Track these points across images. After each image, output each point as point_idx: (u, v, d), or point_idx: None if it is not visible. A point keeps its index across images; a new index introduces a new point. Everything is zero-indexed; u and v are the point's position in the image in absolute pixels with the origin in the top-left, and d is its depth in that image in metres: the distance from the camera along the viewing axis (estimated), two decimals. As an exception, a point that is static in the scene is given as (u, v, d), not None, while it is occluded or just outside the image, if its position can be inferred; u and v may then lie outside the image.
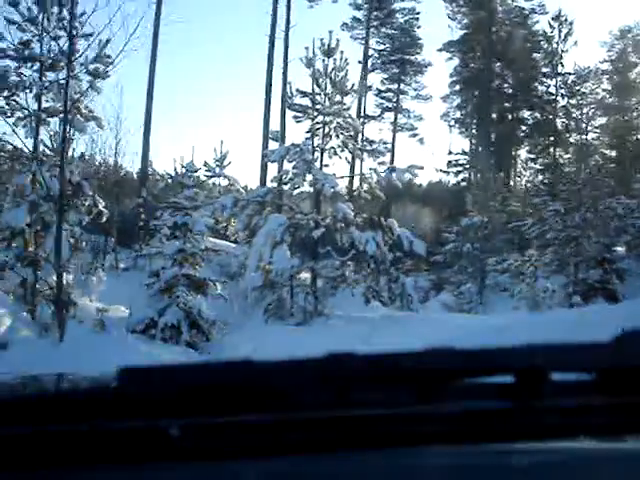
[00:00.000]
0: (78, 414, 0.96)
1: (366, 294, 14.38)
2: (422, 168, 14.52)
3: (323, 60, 14.28)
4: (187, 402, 0.98)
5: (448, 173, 45.98)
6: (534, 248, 23.50)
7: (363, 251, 13.43)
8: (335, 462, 0.96)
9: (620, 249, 21.57)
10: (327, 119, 13.93)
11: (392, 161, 43.73)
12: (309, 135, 14.26)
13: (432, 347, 1.02)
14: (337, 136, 14.02)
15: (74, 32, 11.62)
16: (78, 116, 12.08)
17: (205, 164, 18.10)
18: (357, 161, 28.52)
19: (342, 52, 14.34)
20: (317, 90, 14.09)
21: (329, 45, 14.41)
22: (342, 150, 14.05)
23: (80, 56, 11.91)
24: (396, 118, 44.44)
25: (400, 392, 1.01)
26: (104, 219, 13.62)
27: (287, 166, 14.26)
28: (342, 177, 14.74)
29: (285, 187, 14.47)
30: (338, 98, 14.07)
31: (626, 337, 1.05)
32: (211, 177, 18.36)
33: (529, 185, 35.67)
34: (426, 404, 1.00)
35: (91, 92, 12.36)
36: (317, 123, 14.11)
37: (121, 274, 19.37)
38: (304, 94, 14.28)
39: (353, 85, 14.24)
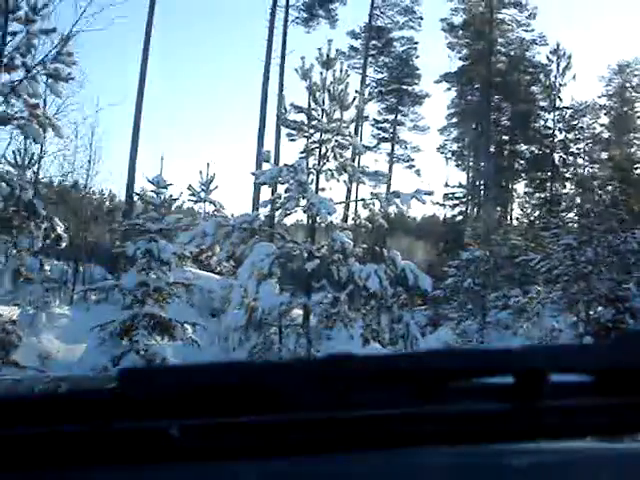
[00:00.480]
0: (78, 415, 0.95)
1: (365, 334, 12.52)
2: (431, 194, 12.78)
3: (321, 73, 12.53)
4: (187, 403, 0.96)
5: (444, 206, 44.56)
6: (541, 284, 21.67)
7: (363, 286, 11.65)
8: (335, 462, 0.95)
9: (632, 286, 19.71)
10: (324, 137, 12.11)
11: (388, 191, 42.10)
12: (304, 155, 12.48)
13: (432, 348, 0.95)
14: (335, 157, 12.21)
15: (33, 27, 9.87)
16: (34, 123, 10.28)
17: (189, 188, 16.15)
18: (353, 187, 27.17)
19: (342, 62, 12.58)
20: (313, 105, 12.30)
21: (328, 55, 12.60)
22: (340, 173, 12.24)
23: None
24: (393, 149, 42.97)
25: (400, 393, 0.99)
26: (63, 244, 11.62)
27: (280, 190, 12.51)
28: (340, 203, 12.89)
29: (277, 213, 12.48)
30: (337, 115, 12.27)
31: (626, 338, 1.10)
32: (196, 202, 16.41)
33: (530, 219, 33.98)
34: (426, 405, 0.99)
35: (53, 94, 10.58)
36: (313, 142, 12.32)
37: (92, 307, 16.85)
38: (299, 109, 12.43)
39: (354, 99, 12.47)
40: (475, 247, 25.94)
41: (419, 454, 0.97)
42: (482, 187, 43.12)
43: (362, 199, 13.59)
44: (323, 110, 12.19)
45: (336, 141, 12.02)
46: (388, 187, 44.70)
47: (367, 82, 40.77)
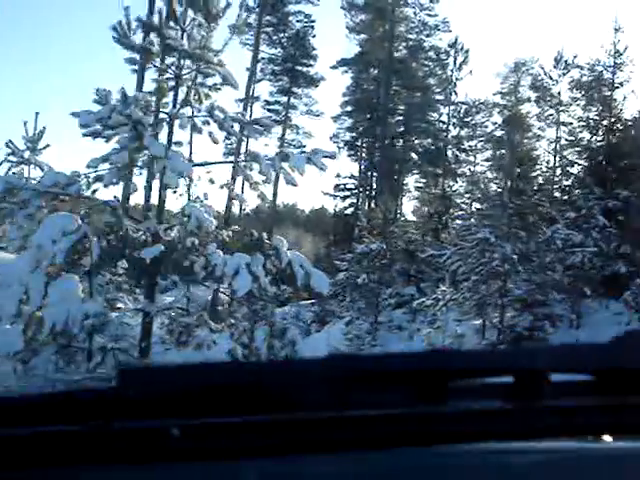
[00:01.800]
0: (78, 415, 0.94)
1: (233, 353, 8.36)
2: (333, 157, 8.77)
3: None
4: (187, 402, 0.95)
5: (335, 197, 41.26)
6: (445, 283, 18.20)
7: (230, 285, 7.58)
8: (335, 462, 0.93)
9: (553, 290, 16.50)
10: (183, 64, 7.90)
11: (277, 178, 38.19)
12: (156, 93, 8.17)
13: (432, 348, 1.04)
14: (197, 95, 7.95)
15: None
16: None
17: (8, 144, 11.41)
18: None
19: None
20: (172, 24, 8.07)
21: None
22: (206, 122, 8.02)
23: None
24: (284, 133, 38.91)
25: (400, 393, 0.99)
26: None
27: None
28: (202, 164, 8.54)
29: (102, 171, 7.86)
30: (202, 35, 7.97)
31: (625, 338, 1.04)
32: (18, 164, 11.61)
33: (429, 212, 30.93)
34: (426, 404, 0.97)
35: None
36: (165, 70, 8.02)
37: None
38: (149, 27, 8.10)
39: (226, 6, 8.11)
40: (371, 239, 22.37)
41: (419, 454, 0.93)
42: (374, 179, 39.95)
43: (230, 161, 9.28)
44: (184, 31, 7.95)
45: (199, 72, 7.78)
46: (277, 175, 41.10)
47: (259, 60, 36.58)
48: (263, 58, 37.50)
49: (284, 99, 39.20)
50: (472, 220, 17.73)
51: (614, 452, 0.98)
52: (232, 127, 8.31)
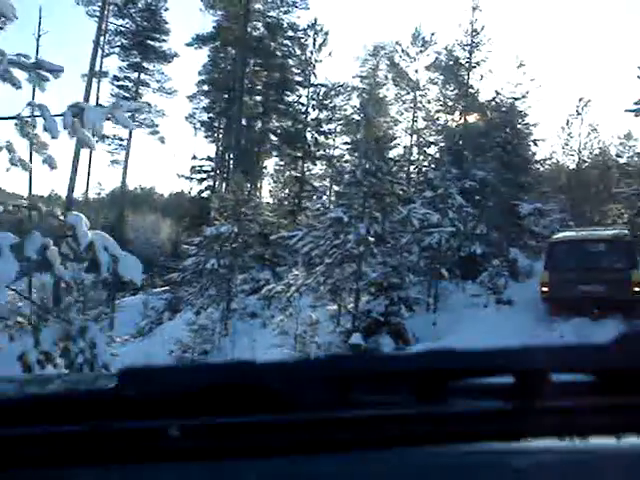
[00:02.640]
0: (78, 415, 0.93)
1: (25, 359, 6.39)
2: (148, 107, 6.97)
3: None
4: (187, 402, 0.94)
5: (191, 179, 39.16)
6: (299, 267, 16.75)
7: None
8: (335, 462, 0.92)
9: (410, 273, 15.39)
10: None
11: (127, 159, 35.61)
12: None
13: (432, 348, 1.00)
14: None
15: None
16: None
17: None
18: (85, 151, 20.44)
19: None
20: None
21: None
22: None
23: None
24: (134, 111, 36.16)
25: (400, 393, 0.98)
26: None
27: None
28: None
29: None
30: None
31: (626, 338, 1.03)
32: None
33: (283, 195, 29.61)
34: (426, 404, 0.97)
35: None
36: None
37: None
38: None
39: None
40: (221, 222, 20.60)
41: (419, 454, 0.93)
42: (232, 161, 38.16)
43: (9, 117, 7.14)
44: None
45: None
46: (127, 154, 38.40)
47: (106, 31, 33.69)
48: (111, 30, 34.65)
49: (134, 75, 36.57)
50: (324, 198, 16.36)
51: (614, 452, 0.96)
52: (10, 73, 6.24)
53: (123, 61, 36.27)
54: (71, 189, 29.84)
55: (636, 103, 10.02)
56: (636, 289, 13.12)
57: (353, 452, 0.91)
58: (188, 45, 38.15)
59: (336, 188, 23.82)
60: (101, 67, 34.15)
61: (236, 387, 0.96)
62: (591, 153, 34.49)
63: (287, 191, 34.77)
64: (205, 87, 39.72)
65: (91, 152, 34.48)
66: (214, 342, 18.08)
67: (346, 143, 38.98)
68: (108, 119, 6.71)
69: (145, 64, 36.31)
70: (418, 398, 0.97)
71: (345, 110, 39.37)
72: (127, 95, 35.98)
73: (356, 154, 28.73)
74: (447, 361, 1.00)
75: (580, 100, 34.07)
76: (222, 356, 16.71)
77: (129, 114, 6.77)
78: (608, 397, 0.98)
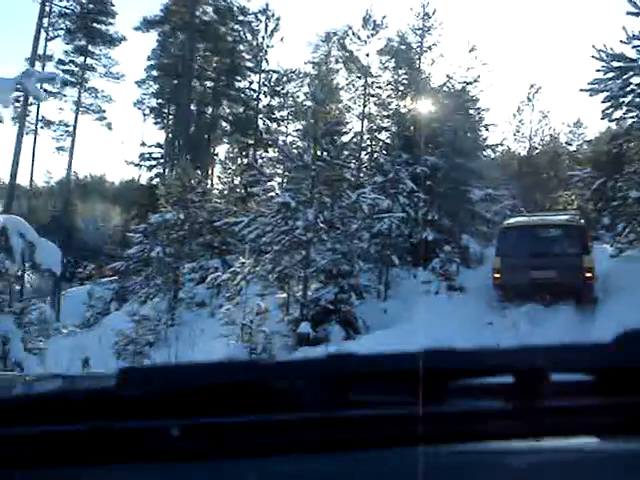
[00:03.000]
0: (79, 414, 0.92)
1: None
2: (52, 80, 6.32)
3: None
4: (187, 402, 0.94)
5: (140, 167, 38.20)
6: (248, 255, 16.14)
7: None
8: (335, 462, 0.92)
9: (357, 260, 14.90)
10: None
11: (73, 146, 34.42)
12: None
13: (432, 348, 0.99)
14: None
15: None
16: None
17: None
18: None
19: None
20: None
21: None
22: None
23: None
24: (80, 96, 34.93)
25: (400, 393, 0.97)
26: None
27: None
28: None
29: None
30: None
31: (626, 337, 1.01)
32: None
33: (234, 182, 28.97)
34: (426, 404, 0.95)
35: None
36: None
37: None
38: None
39: None
40: (167, 209, 19.84)
41: (419, 454, 0.91)
42: (181, 147, 37.25)
43: None
44: None
45: None
46: (73, 140, 37.11)
47: (50, 13, 32.37)
48: (55, 12, 33.26)
49: (80, 59, 35.24)
50: (272, 183, 15.78)
51: (614, 452, 0.96)
52: None
53: (68, 44, 34.91)
54: (13, 176, 28.69)
55: (590, 83, 9.69)
56: (587, 274, 12.88)
57: (353, 452, 0.90)
58: (136, 29, 37.01)
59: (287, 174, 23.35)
60: (45, 51, 32.89)
61: (236, 387, 0.94)
62: (542, 140, 34.54)
63: (238, 178, 34.05)
64: (154, 72, 38.67)
65: (35, 138, 33.27)
66: (159, 333, 17.39)
67: (297, 130, 38.45)
68: (18, 89, 6.06)
69: (91, 48, 35.01)
70: (418, 398, 0.94)
71: (298, 97, 38.75)
72: (72, 80, 34.71)
73: (306, 141, 28.23)
74: (447, 361, 1.00)
75: (531, 87, 34.11)
76: (167, 347, 16.03)
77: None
78: (608, 397, 0.97)
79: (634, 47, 9.19)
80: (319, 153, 15.08)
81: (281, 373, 0.99)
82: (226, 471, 0.90)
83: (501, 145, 27.43)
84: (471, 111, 21.35)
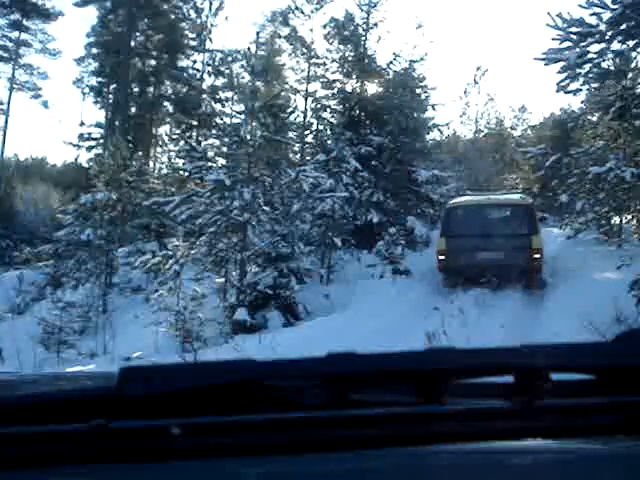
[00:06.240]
0: (78, 414, 0.91)
1: None
2: None
3: None
4: (187, 402, 0.93)
5: (79, 147, 36.48)
6: (182, 237, 15.02)
7: None
8: (335, 462, 0.90)
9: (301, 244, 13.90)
10: None
11: (6, 124, 32.54)
12: None
13: (432, 348, 0.97)
14: None
15: None
16: None
17: None
18: None
19: None
20: None
21: None
22: None
23: None
24: (14, 73, 33.00)
25: (400, 393, 0.96)
26: None
27: None
28: None
29: None
30: None
31: (626, 337, 1.00)
32: None
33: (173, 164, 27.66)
34: (426, 404, 0.95)
35: None
36: None
37: None
38: None
39: None
40: (101, 189, 18.51)
41: (419, 454, 0.90)
42: (119, 127, 35.66)
43: None
44: None
45: None
46: (7, 118, 35.14)
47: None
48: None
49: (15, 34, 33.24)
50: (209, 163, 14.64)
51: (614, 452, 0.94)
52: None
53: (1, 19, 32.88)
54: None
55: (544, 53, 8.88)
56: (536, 255, 12.17)
57: (353, 451, 0.89)
58: (75, 5, 35.09)
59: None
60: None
61: (236, 386, 0.93)
62: (488, 123, 34.08)
63: (181, 160, 32.75)
64: (94, 50, 36.84)
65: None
66: (89, 320, 16.15)
67: (243, 112, 37.20)
68: None
69: (26, 22, 33.03)
70: (418, 398, 0.94)
71: (243, 78, 37.47)
72: (6, 55, 32.74)
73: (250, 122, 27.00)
74: (447, 361, 0.97)
75: (478, 69, 33.59)
76: (97, 334, 14.84)
77: None
78: (608, 397, 0.96)
79: (593, 14, 8.42)
80: (258, 130, 14.04)
81: (281, 372, 0.96)
82: (226, 471, 0.88)
83: (447, 127, 26.75)
84: (417, 90, 20.50)
